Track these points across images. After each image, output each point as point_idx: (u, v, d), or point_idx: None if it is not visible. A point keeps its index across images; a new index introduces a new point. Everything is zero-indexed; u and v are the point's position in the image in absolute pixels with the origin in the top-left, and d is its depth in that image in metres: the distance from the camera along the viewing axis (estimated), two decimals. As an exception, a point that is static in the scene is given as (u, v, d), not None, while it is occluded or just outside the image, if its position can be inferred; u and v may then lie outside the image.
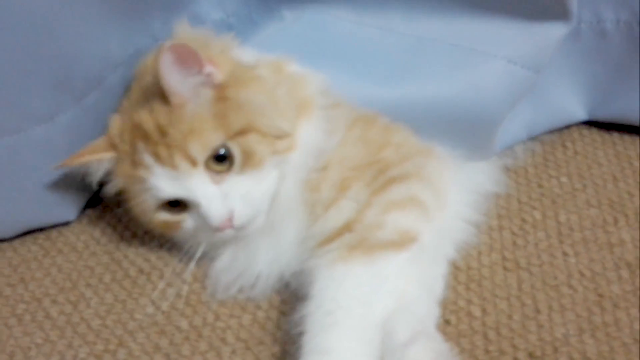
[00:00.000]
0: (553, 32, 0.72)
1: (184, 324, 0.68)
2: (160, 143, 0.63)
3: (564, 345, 0.62)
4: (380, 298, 0.60)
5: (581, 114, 0.85)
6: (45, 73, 0.69)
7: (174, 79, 0.61)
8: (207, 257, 0.72)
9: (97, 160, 0.68)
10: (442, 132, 0.72)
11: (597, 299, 0.66)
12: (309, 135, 0.67)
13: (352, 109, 0.71)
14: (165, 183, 0.64)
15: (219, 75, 0.65)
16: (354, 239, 0.63)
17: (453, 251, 0.70)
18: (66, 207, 0.78)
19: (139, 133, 0.64)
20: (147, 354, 0.65)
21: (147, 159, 0.64)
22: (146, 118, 0.64)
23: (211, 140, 0.62)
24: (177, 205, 0.66)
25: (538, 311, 0.65)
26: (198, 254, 0.69)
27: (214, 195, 0.63)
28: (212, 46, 0.68)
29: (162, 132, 0.63)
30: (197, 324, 0.68)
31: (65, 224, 0.80)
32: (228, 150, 0.63)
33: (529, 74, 0.72)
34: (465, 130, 0.73)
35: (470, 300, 0.67)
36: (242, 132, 0.63)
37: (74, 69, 0.72)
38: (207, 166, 0.63)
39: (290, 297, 0.69)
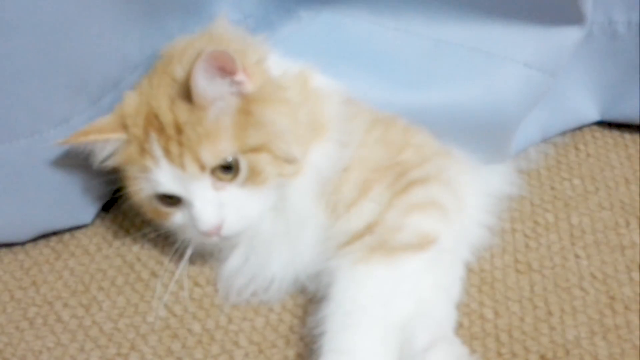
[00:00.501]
0: (569, 36, 0.73)
1: (196, 327, 0.69)
2: (174, 139, 0.63)
3: (575, 347, 0.63)
4: (399, 299, 0.62)
5: (594, 115, 0.86)
6: (61, 76, 0.70)
7: (205, 84, 0.62)
8: (216, 258, 0.73)
9: (105, 140, 0.68)
10: (459, 137, 0.74)
11: (609, 301, 0.67)
12: (318, 160, 0.68)
13: (371, 111, 0.72)
14: (167, 179, 0.64)
15: (249, 87, 0.65)
16: (375, 240, 0.64)
17: (469, 254, 0.71)
18: (82, 210, 0.80)
19: (155, 122, 0.64)
20: (160, 357, 0.66)
21: (157, 150, 0.64)
22: (166, 110, 0.64)
23: (224, 149, 0.63)
24: (171, 198, 0.67)
25: (550, 313, 0.66)
26: (190, 250, 0.70)
27: (211, 202, 0.64)
28: (249, 54, 0.68)
29: (178, 129, 0.63)
30: (210, 327, 0.69)
31: (81, 227, 0.81)
32: (237, 163, 0.64)
33: (546, 77, 0.73)
34: (483, 134, 0.74)
35: (482, 303, 0.68)
36: (255, 150, 0.64)
37: (90, 71, 0.73)
38: (212, 172, 0.64)
39: (304, 299, 0.70)
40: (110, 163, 0.70)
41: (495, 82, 0.72)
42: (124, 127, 0.67)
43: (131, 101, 0.68)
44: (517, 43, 0.73)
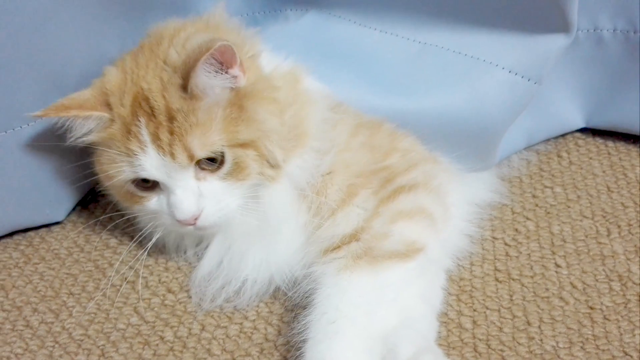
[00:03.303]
0: (554, 43, 0.75)
1: (168, 335, 0.70)
2: (165, 127, 0.64)
3: (553, 358, 0.64)
4: (384, 308, 0.63)
5: (578, 122, 0.89)
6: (35, 71, 0.71)
7: (205, 76, 0.63)
8: (190, 259, 0.75)
9: (85, 117, 0.67)
10: (445, 142, 0.75)
11: (588, 311, 0.68)
12: (296, 172, 0.69)
13: (356, 114, 0.73)
14: (152, 165, 0.65)
15: (243, 81, 0.66)
16: (361, 247, 0.66)
17: (451, 263, 0.73)
18: (55, 207, 0.80)
19: (145, 106, 0.65)
20: (131, 364, 0.67)
21: (145, 135, 0.65)
22: (158, 95, 0.64)
23: (214, 141, 0.64)
24: (148, 182, 0.67)
25: (528, 323, 0.68)
26: (154, 239, 0.71)
27: (191, 191, 0.65)
28: (246, 48, 0.69)
29: (170, 117, 0.64)
30: (182, 335, 0.70)
31: (52, 225, 0.82)
32: (223, 156, 0.65)
33: (531, 84, 0.75)
34: (468, 140, 0.76)
35: (461, 312, 0.70)
36: (243, 145, 0.65)
37: (66, 67, 0.73)
38: (197, 161, 0.65)
39: (279, 307, 0.71)
40: (86, 141, 0.69)
41: (480, 87, 0.74)
42: (107, 104, 0.67)
43: (114, 78, 0.68)
44: (503, 49, 0.75)
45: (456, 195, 0.75)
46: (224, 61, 0.63)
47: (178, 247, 0.76)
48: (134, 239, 0.74)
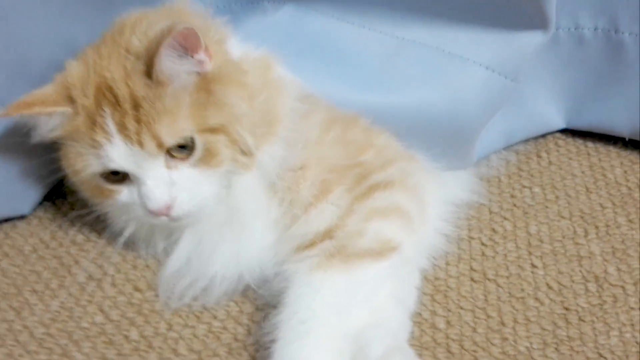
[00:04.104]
0: (532, 40, 0.75)
1: (133, 334, 0.68)
2: (130, 115, 0.63)
3: (527, 359, 0.64)
4: (356, 308, 0.62)
5: (559, 122, 0.88)
6: None
7: (169, 61, 0.62)
8: (159, 256, 0.73)
9: (49, 114, 0.66)
10: (420, 139, 0.74)
11: (563, 312, 0.68)
12: (267, 161, 0.68)
13: (330, 109, 0.72)
14: (120, 155, 0.64)
15: (209, 66, 0.65)
16: (334, 246, 0.65)
17: (426, 262, 0.72)
18: (21, 200, 0.79)
19: (109, 96, 0.63)
20: (93, 364, 0.66)
21: (110, 126, 0.63)
22: (121, 84, 0.63)
23: (183, 128, 0.63)
24: (117, 174, 0.66)
25: (503, 324, 0.67)
26: (126, 234, 0.70)
27: (163, 180, 0.64)
28: (211, 33, 0.68)
29: (135, 105, 0.63)
30: (148, 334, 0.68)
31: (17, 220, 0.80)
32: (193, 142, 0.64)
33: (507, 82, 0.75)
34: (444, 137, 0.75)
35: (435, 312, 0.69)
36: (213, 130, 0.64)
37: (31, 53, 0.72)
38: (166, 150, 0.64)
39: (249, 307, 0.70)
40: (51, 136, 0.68)
41: (456, 84, 0.74)
42: (70, 99, 0.66)
43: (75, 71, 0.66)
44: (480, 45, 0.75)
45: (433, 194, 0.75)
46: (187, 45, 0.62)
47: (149, 242, 0.75)
48: (103, 235, 0.73)
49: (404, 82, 0.75)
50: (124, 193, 0.67)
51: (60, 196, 0.83)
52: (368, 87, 0.74)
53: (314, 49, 0.77)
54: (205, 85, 0.64)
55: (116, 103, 0.63)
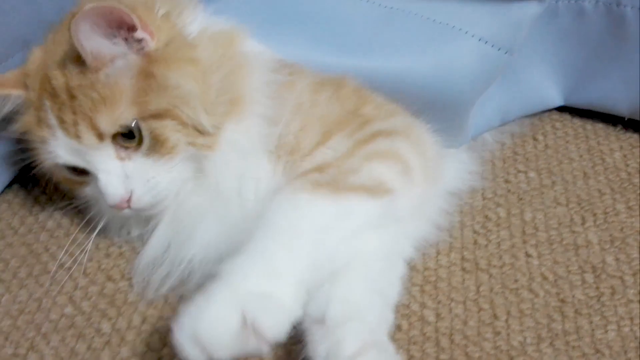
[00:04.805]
0: (527, 11, 0.72)
1: (105, 327, 0.65)
2: (67, 107, 0.60)
3: (520, 354, 0.61)
4: (337, 241, 0.57)
5: (556, 99, 0.86)
6: None
7: (93, 44, 0.58)
8: (134, 243, 0.71)
9: (4, 96, 0.65)
10: (411, 109, 0.71)
11: (559, 304, 0.65)
12: (237, 136, 0.64)
13: (315, 74, 0.69)
14: (65, 151, 0.62)
15: (152, 44, 0.61)
16: (324, 178, 0.61)
17: (412, 251, 0.68)
18: None
19: (48, 87, 0.61)
20: (61, 359, 0.62)
21: (52, 119, 0.62)
22: (57, 74, 0.61)
23: (122, 116, 0.60)
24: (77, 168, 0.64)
25: (495, 317, 0.64)
26: (101, 224, 0.68)
27: (115, 173, 0.62)
28: (155, 6, 0.64)
29: (71, 95, 0.60)
30: (121, 327, 0.65)
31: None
32: (138, 130, 0.61)
33: (501, 54, 0.72)
34: (436, 109, 0.72)
35: (424, 304, 0.66)
36: (157, 116, 0.61)
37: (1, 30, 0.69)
38: (114, 139, 0.61)
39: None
40: (15, 131, 0.67)
41: (448, 54, 0.71)
42: (25, 86, 0.64)
43: (35, 58, 0.65)
44: (473, 16, 0.72)
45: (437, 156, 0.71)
46: (113, 23, 0.58)
47: (122, 227, 0.72)
48: (76, 221, 0.70)
49: (393, 49, 0.72)
50: (90, 185, 0.65)
51: (31, 179, 0.79)
52: (355, 52, 0.71)
53: (298, 15, 0.73)
54: (148, 67, 0.61)
55: (54, 95, 0.61)
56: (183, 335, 0.50)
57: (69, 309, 0.66)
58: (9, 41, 0.70)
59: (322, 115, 0.67)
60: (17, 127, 0.66)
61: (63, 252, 0.71)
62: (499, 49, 0.72)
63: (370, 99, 0.70)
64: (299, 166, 0.65)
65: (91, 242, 0.70)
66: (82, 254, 0.70)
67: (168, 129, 0.61)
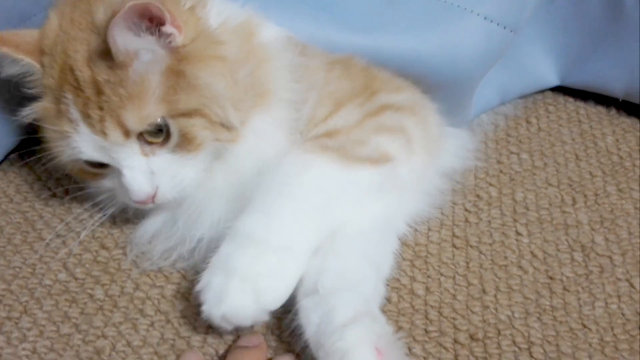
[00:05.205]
0: None
1: (98, 293, 0.66)
2: (93, 102, 0.58)
3: (507, 328, 0.62)
4: (341, 203, 0.60)
5: (553, 79, 0.86)
6: None
7: (126, 40, 0.56)
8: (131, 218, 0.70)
9: (14, 59, 0.61)
10: (418, 89, 0.72)
11: (547, 281, 0.66)
12: (262, 125, 0.65)
13: (324, 54, 0.69)
14: (89, 147, 0.60)
15: (180, 39, 0.59)
16: (333, 144, 0.62)
17: (405, 227, 0.69)
18: None
19: (71, 78, 0.59)
20: (54, 323, 0.63)
21: (74, 113, 0.59)
22: (83, 66, 0.58)
23: (151, 113, 0.58)
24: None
25: (484, 292, 0.65)
26: (110, 211, 0.67)
27: (141, 169, 0.60)
28: (184, 0, 0.62)
29: (98, 90, 0.58)
30: (114, 293, 0.66)
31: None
32: (167, 127, 0.60)
33: (507, 32, 0.72)
34: (442, 88, 0.73)
35: (414, 278, 0.67)
36: (187, 114, 0.60)
37: None
38: (139, 136, 0.60)
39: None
40: (29, 116, 0.64)
41: (453, 34, 0.71)
42: (41, 54, 0.61)
43: (50, 32, 0.61)
44: None
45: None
46: (145, 20, 0.57)
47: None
48: (72, 192, 0.70)
49: (400, 28, 0.72)
50: (108, 178, 0.64)
51: (27, 149, 0.79)
52: (360, 32, 0.71)
53: None
54: (177, 64, 0.59)
55: (78, 87, 0.59)
56: (213, 315, 0.57)
57: (62, 275, 0.67)
58: (5, 17, 0.69)
59: (334, 91, 0.67)
60: (31, 113, 0.63)
61: (57, 220, 0.72)
62: (504, 28, 0.72)
63: (379, 75, 0.71)
64: (310, 132, 0.66)
65: (84, 208, 0.70)
66: (76, 222, 0.71)
67: (196, 127, 0.60)
